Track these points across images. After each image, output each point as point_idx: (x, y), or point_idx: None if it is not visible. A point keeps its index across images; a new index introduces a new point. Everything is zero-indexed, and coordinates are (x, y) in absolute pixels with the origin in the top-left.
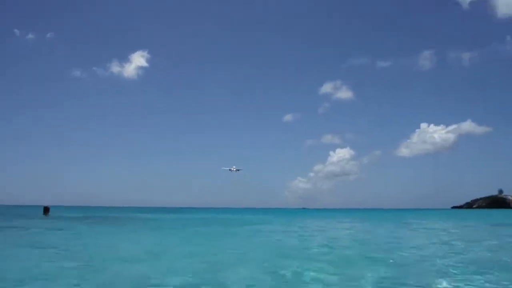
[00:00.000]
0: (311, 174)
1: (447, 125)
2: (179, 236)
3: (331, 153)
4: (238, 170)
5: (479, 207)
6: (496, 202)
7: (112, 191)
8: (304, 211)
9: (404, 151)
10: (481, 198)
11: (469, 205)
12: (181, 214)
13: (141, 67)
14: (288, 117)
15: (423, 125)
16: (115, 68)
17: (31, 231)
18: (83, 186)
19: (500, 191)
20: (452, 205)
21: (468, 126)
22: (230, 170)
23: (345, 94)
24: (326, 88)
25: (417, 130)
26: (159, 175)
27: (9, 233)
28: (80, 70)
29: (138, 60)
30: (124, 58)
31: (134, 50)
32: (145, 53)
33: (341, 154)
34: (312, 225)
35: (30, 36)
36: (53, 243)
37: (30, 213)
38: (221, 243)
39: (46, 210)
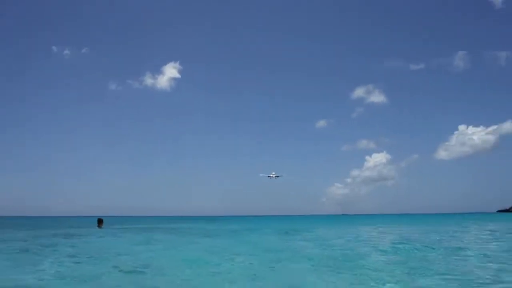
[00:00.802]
0: (348, 180)
1: (487, 126)
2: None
3: (368, 158)
4: (278, 176)
5: None
6: None
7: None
8: (345, 217)
9: (442, 154)
10: None
11: None
12: (223, 224)
13: (174, 78)
14: (321, 123)
15: (462, 127)
16: (148, 80)
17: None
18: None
19: None
20: (498, 209)
21: (509, 126)
22: (269, 176)
23: (378, 98)
24: (358, 92)
25: (455, 132)
26: (193, 184)
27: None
28: (115, 83)
29: (170, 71)
30: (157, 70)
31: (166, 61)
32: (177, 64)
33: (378, 158)
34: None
35: (66, 52)
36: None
37: (82, 224)
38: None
39: (100, 221)
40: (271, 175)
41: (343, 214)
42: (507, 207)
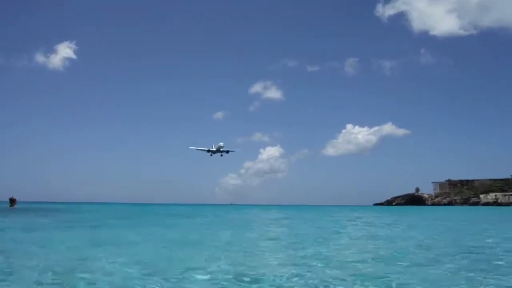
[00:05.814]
0: (242, 171)
1: (370, 127)
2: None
3: (261, 150)
4: (226, 151)
5: (398, 204)
6: (413, 200)
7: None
8: (232, 207)
9: (330, 150)
10: (400, 196)
11: (389, 202)
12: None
13: (68, 58)
14: (218, 115)
15: (349, 126)
16: (40, 58)
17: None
18: None
19: (417, 189)
20: (374, 202)
21: (389, 128)
22: (209, 151)
23: (274, 94)
24: (256, 87)
25: (343, 130)
26: (86, 169)
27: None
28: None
29: (65, 51)
30: (49, 49)
31: (60, 41)
32: (73, 45)
33: (271, 152)
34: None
35: None
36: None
37: None
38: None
39: (12, 201)
40: (212, 149)
41: (231, 204)
42: (382, 201)
